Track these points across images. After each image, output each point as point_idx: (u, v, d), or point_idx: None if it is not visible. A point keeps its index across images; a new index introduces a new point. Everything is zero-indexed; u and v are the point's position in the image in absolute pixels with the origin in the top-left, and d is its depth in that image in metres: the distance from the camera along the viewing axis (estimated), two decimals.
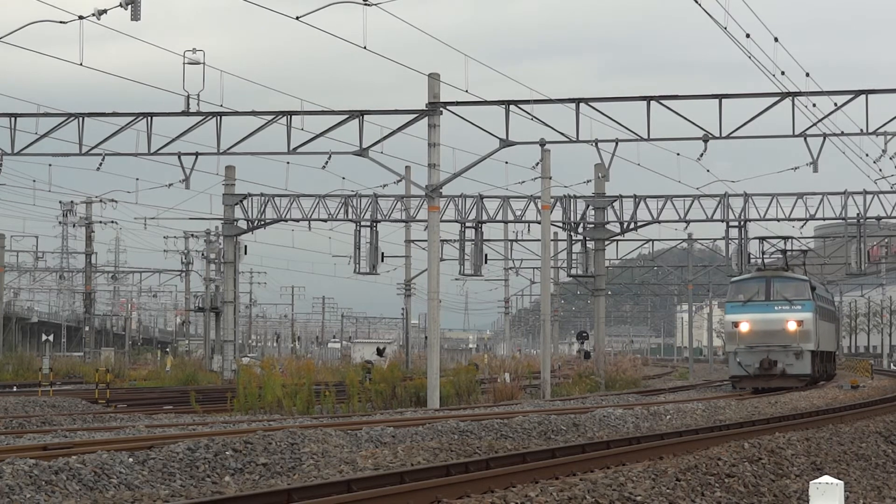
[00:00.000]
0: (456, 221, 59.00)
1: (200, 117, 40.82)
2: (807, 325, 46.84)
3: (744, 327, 46.91)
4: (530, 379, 54.58)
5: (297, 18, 30.44)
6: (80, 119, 41.69)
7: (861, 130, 39.47)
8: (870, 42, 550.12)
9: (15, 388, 50.00)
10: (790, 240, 55.62)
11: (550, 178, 47.13)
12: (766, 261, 54.72)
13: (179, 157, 43.29)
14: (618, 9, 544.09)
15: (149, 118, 41.58)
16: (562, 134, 39.85)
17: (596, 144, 40.43)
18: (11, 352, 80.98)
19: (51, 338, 57.98)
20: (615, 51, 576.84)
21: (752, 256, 57.86)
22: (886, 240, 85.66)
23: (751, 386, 46.55)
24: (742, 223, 58.55)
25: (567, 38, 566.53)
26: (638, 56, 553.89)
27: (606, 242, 59.68)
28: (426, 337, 52.18)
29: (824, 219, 60.94)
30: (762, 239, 55.71)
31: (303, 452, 18.99)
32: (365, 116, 39.82)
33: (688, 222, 59.30)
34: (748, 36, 32.59)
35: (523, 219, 59.87)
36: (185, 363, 74.27)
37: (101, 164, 42.73)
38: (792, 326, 46.64)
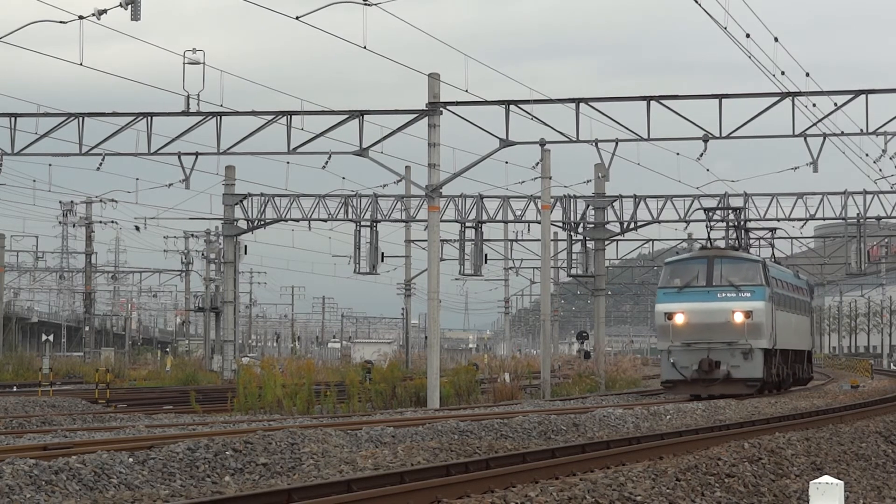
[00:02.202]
0: (456, 221, 58.99)
1: (200, 117, 40.80)
2: (757, 317, 38.38)
3: (679, 319, 38.45)
4: (530, 379, 54.56)
5: (297, 18, 30.48)
6: (80, 119, 41.67)
7: (861, 130, 39.45)
8: (870, 42, 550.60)
9: (15, 388, 49.98)
10: (740, 211, 47.53)
11: (550, 178, 47.17)
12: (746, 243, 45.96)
13: (179, 157, 43.29)
14: (618, 9, 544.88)
15: (149, 118, 41.56)
16: (562, 134, 39.86)
17: (596, 144, 40.42)
18: (11, 352, 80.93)
19: (51, 338, 57.96)
20: (615, 51, 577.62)
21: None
22: (886, 240, 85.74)
23: (688, 392, 38.64)
24: (742, 223, 58.45)
25: (567, 38, 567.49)
26: (638, 56, 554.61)
27: (606, 242, 59.62)
28: (426, 337, 52.16)
29: (824, 219, 60.98)
30: (707, 210, 46.72)
31: (303, 452, 18.98)
32: (365, 116, 39.82)
33: (688, 222, 59.30)
34: (748, 36, 32.60)
35: (523, 219, 59.87)
36: (185, 363, 74.34)
37: (101, 164, 42.78)
38: (738, 318, 38.25)
